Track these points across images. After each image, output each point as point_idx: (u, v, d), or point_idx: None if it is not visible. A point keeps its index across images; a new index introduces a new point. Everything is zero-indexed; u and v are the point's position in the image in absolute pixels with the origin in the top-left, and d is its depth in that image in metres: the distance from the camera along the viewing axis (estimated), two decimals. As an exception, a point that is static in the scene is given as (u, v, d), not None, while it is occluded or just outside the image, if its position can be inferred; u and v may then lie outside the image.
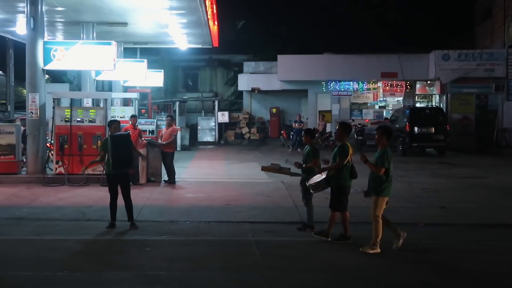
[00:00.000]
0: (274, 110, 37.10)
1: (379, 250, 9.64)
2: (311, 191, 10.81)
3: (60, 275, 8.27)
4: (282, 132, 33.96)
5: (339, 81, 34.84)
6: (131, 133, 17.72)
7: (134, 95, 26.43)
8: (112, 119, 13.93)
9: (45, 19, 18.17)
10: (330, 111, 34.07)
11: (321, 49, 36.45)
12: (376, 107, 35.95)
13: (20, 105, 36.72)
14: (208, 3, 20.37)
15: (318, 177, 10.53)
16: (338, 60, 34.65)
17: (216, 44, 28.86)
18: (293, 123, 31.97)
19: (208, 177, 19.34)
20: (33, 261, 9.01)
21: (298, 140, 29.74)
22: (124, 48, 28.89)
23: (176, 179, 17.44)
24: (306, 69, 34.42)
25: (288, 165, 11.92)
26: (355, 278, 8.43)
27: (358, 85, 35.06)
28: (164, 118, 22.72)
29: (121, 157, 11.40)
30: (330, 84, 34.88)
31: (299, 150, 26.95)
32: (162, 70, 30.57)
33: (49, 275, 8.27)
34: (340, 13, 39.71)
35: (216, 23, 25.11)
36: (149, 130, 23.37)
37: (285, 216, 12.76)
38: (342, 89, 35.07)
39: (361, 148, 29.94)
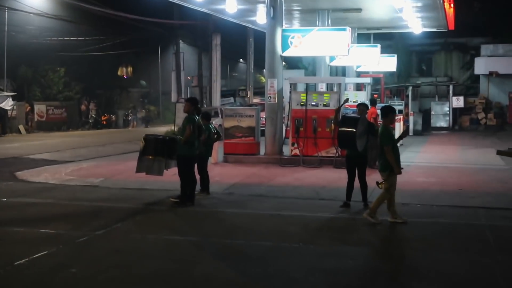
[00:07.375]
0: (513, 95, 35.31)
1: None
2: None
3: (296, 247, 8.80)
4: (522, 117, 32.30)
5: None
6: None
7: (367, 80, 26.73)
8: (361, 102, 14.39)
9: (283, 8, 19.03)
10: None
11: None
12: None
13: (258, 91, 38.87)
14: (444, -15, 20.00)
15: None
16: None
17: (451, 27, 28.15)
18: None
19: (440, 162, 19.04)
20: (272, 233, 9.67)
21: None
22: (358, 33, 29.27)
23: (408, 163, 17.40)
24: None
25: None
26: None
27: None
28: (396, 103, 22.73)
29: (344, 138, 11.62)
30: None
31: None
32: (395, 55, 30.52)
33: (286, 246, 8.84)
34: None
35: (452, 5, 24.48)
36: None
37: (522, 203, 12.28)
38: None
39: None
